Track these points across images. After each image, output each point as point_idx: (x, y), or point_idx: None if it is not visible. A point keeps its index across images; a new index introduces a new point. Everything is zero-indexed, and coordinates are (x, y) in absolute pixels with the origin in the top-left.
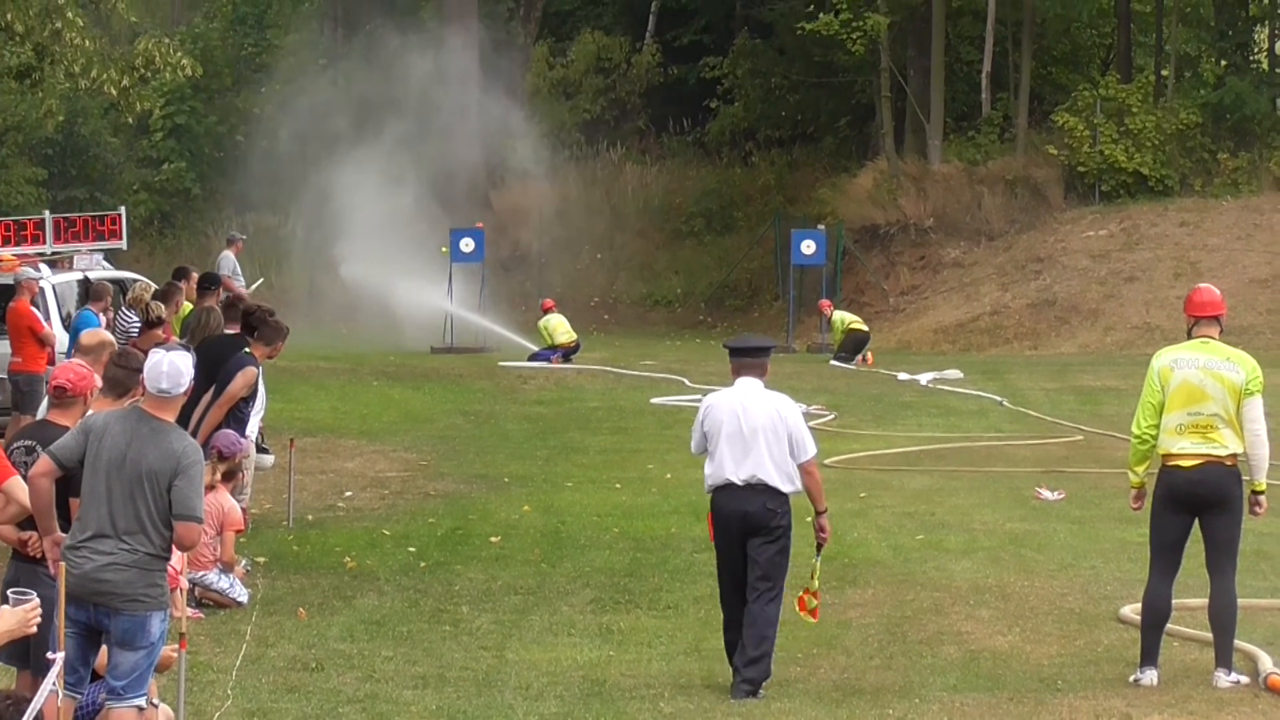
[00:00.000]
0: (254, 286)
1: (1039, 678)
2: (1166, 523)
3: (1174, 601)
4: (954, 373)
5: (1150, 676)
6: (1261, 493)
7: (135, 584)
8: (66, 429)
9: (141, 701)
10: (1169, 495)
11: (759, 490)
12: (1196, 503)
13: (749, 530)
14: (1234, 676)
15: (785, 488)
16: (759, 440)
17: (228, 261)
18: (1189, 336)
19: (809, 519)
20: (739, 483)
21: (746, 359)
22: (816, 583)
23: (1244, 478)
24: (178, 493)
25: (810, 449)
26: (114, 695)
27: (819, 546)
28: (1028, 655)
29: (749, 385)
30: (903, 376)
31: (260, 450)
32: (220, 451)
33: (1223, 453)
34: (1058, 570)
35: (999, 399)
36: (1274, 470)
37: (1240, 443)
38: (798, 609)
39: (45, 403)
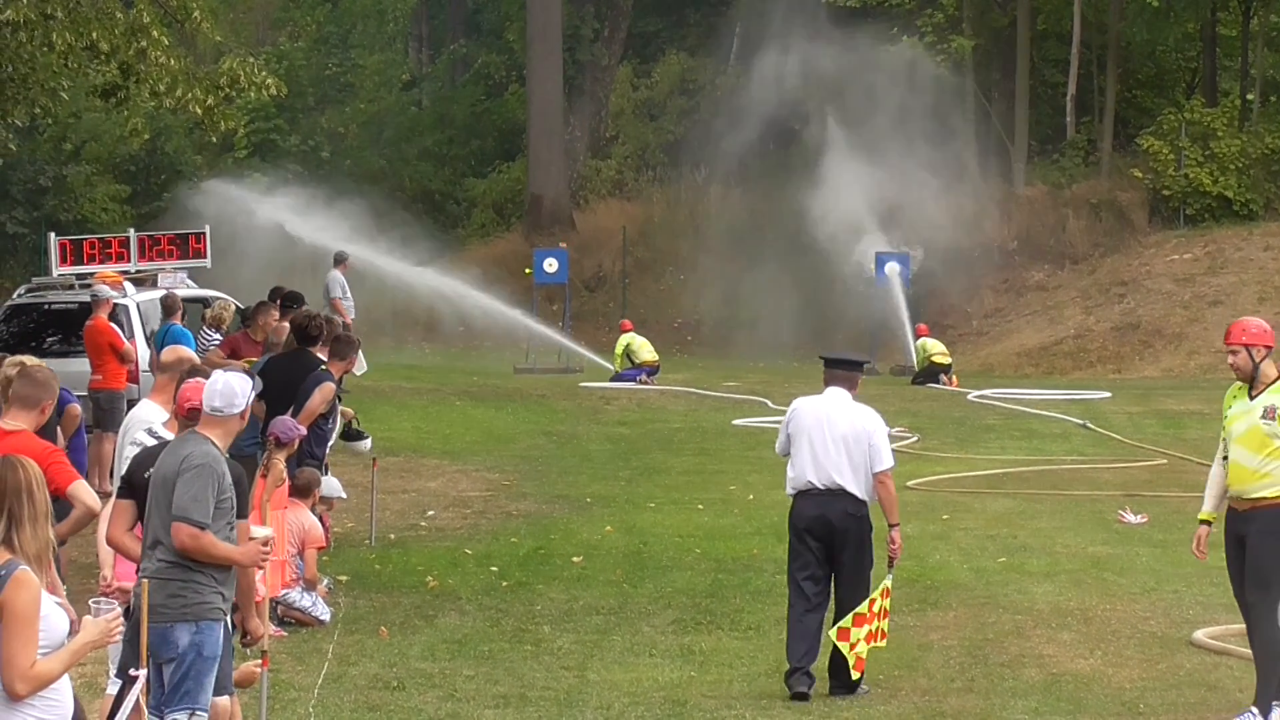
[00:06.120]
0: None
1: (1120, 701)
2: None
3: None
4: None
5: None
6: None
7: (155, 594)
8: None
9: (182, 716)
10: None
11: (838, 495)
12: None
13: (830, 538)
14: None
15: (864, 495)
16: (841, 447)
17: (336, 281)
18: None
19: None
20: (820, 486)
21: (839, 370)
22: (888, 601)
23: None
24: (175, 494)
25: (886, 460)
26: (155, 710)
27: (890, 561)
28: (1109, 679)
29: (837, 395)
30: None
31: (357, 436)
32: (277, 438)
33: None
34: (1140, 594)
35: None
36: None
37: None
38: (837, 639)
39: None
